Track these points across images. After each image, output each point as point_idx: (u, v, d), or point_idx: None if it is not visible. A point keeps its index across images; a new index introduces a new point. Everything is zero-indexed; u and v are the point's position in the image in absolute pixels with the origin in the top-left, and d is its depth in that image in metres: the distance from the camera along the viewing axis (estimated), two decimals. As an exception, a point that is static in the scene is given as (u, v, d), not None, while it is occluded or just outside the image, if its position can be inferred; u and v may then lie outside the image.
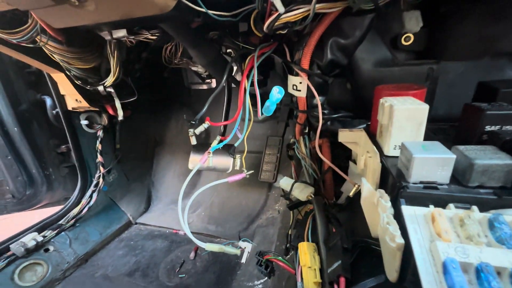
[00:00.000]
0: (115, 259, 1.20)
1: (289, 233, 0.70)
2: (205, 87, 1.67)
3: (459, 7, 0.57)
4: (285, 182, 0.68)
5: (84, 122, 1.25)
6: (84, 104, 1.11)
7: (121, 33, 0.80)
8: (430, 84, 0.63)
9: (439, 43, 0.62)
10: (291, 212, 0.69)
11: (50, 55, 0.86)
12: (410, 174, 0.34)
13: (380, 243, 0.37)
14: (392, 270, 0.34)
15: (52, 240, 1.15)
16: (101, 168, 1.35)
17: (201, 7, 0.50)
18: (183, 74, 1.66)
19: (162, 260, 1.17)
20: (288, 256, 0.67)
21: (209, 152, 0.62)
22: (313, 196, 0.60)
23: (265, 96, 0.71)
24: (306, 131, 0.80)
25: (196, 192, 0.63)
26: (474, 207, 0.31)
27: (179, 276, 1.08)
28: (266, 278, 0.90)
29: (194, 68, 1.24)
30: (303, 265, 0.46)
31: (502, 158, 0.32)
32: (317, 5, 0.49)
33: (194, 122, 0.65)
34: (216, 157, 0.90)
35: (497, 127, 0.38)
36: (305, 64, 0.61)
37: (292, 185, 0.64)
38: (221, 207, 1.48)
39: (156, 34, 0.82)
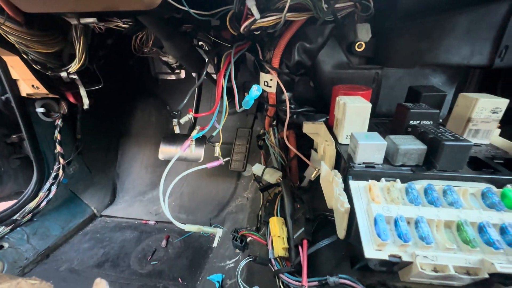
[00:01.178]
0: (81, 252, 1.17)
1: (260, 214, 0.79)
2: (173, 77, 1.65)
3: (398, 24, 0.70)
4: (257, 168, 0.76)
5: (40, 110, 1.16)
6: (42, 90, 1.04)
7: (90, 19, 0.78)
8: (376, 85, 0.76)
9: (383, 52, 0.75)
10: (261, 194, 0.78)
11: (4, 36, 0.79)
12: (356, 157, 0.45)
13: (334, 210, 0.47)
14: (341, 229, 0.44)
15: (6, 236, 1.07)
16: (61, 160, 1.28)
17: (184, 6, 0.54)
18: (149, 63, 1.62)
19: (133, 250, 1.17)
20: (260, 233, 0.76)
21: (191, 140, 0.66)
22: (281, 179, 0.70)
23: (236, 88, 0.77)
24: (275, 123, 0.89)
25: (178, 177, 0.67)
26: (398, 180, 0.42)
27: (152, 263, 1.11)
28: (238, 257, 0.98)
29: (164, 58, 1.23)
30: (273, 235, 0.55)
31: (417, 144, 0.44)
32: (287, 14, 0.56)
33: (177, 113, 0.68)
34: (188, 149, 0.94)
35: (417, 122, 0.51)
36: (276, 63, 0.69)
37: (263, 170, 0.72)
38: (191, 196, 1.52)
39: (129, 23, 0.82)
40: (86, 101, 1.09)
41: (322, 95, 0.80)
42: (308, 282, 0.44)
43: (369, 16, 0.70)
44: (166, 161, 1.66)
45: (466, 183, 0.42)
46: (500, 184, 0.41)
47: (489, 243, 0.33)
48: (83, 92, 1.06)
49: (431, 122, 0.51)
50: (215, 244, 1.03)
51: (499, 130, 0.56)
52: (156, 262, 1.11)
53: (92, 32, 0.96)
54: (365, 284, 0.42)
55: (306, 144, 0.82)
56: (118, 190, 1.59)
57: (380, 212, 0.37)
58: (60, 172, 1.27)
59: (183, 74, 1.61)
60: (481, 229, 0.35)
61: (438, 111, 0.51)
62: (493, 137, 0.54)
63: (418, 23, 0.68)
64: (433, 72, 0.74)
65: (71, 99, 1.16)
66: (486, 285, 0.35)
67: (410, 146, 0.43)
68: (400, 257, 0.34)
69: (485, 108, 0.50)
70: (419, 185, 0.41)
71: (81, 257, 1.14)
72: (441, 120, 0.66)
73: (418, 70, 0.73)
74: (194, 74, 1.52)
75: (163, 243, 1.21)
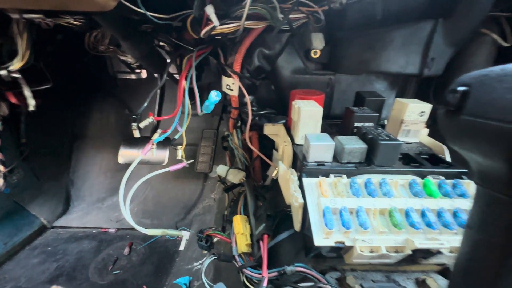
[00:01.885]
0: (29, 269, 1.06)
1: (225, 213, 0.81)
2: (134, 77, 1.58)
3: (347, 35, 0.78)
4: (221, 169, 0.78)
5: (-27, 112, 1.03)
6: (-24, 90, 0.92)
7: (35, 14, 0.72)
8: (329, 90, 0.83)
9: (336, 59, 0.82)
10: (226, 194, 0.80)
11: None
12: (309, 156, 0.50)
13: (291, 206, 0.51)
14: (297, 222, 0.48)
15: None
16: (1, 167, 1.14)
17: (140, 8, 0.53)
18: (107, 61, 1.52)
19: (92, 261, 1.10)
20: (226, 232, 0.78)
21: (152, 143, 0.65)
22: (244, 179, 0.73)
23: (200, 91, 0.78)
24: (239, 125, 0.92)
25: (140, 180, 0.66)
26: (344, 175, 0.48)
27: (113, 273, 1.05)
28: (205, 258, 0.99)
29: (123, 58, 1.18)
30: (237, 233, 0.58)
31: (360, 144, 0.50)
32: (245, 22, 0.59)
33: (136, 116, 0.67)
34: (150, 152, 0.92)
35: (361, 124, 0.58)
36: (237, 68, 0.72)
37: (227, 171, 0.75)
38: (156, 200, 1.47)
39: (81, 20, 0.77)
40: (31, 102, 0.99)
41: (282, 98, 0.84)
42: (268, 273, 0.47)
43: (321, 26, 0.76)
44: (127, 165, 1.58)
45: (398, 176, 0.49)
46: (423, 176, 0.49)
47: (412, 225, 0.40)
48: (27, 92, 0.97)
49: (373, 124, 0.58)
50: (181, 247, 1.02)
51: (427, 130, 0.66)
52: (119, 271, 1.06)
53: (38, 27, 0.88)
54: (319, 270, 0.47)
55: (269, 145, 0.86)
56: (73, 198, 1.47)
57: (328, 205, 0.42)
58: (1, 181, 1.13)
59: (144, 74, 1.55)
60: (407, 214, 0.42)
61: (377, 114, 0.59)
62: (422, 136, 0.64)
63: (364, 35, 0.76)
64: (377, 79, 0.83)
65: (13, 100, 1.05)
66: (411, 260, 0.42)
67: (354, 146, 0.49)
68: (343, 243, 0.39)
69: (414, 111, 0.59)
70: (361, 179, 0.47)
71: (29, 274, 1.04)
72: (385, 121, 0.75)
73: (365, 76, 0.82)
74: (156, 74, 1.47)
75: (126, 250, 1.16)
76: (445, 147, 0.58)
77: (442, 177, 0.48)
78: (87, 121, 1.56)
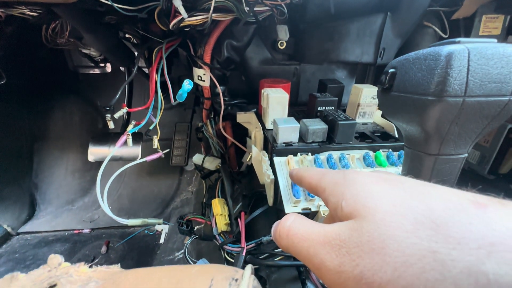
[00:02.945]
0: (-5, 278, 1.00)
1: (204, 201, 0.85)
2: (97, 71, 1.51)
3: (309, 27, 0.84)
4: (197, 158, 0.80)
5: None
6: None
7: (-17, 3, 0.66)
8: (296, 79, 0.89)
9: (300, 50, 0.88)
10: (203, 181, 0.83)
11: None
12: (278, 138, 0.55)
13: (264, 183, 0.56)
14: (270, 198, 0.54)
15: None
16: (-49, 174, 1.04)
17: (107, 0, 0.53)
18: (66, 55, 1.43)
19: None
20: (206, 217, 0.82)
21: (128, 134, 0.65)
22: (220, 165, 0.76)
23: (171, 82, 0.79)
24: (212, 115, 0.94)
25: (115, 173, 0.66)
26: (309, 153, 0.54)
27: (91, 272, 1.03)
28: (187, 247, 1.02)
29: (85, 51, 1.12)
30: (216, 214, 0.62)
31: (322, 125, 0.57)
32: (213, 14, 0.62)
33: (109, 108, 0.66)
34: (123, 148, 0.91)
35: (323, 107, 0.65)
36: (207, 59, 0.74)
37: (204, 158, 0.77)
38: (131, 197, 1.45)
39: (38, 11, 0.73)
40: (-16, 101, 0.91)
41: (252, 88, 0.89)
42: (247, 245, 0.52)
43: (285, 19, 0.81)
44: (97, 164, 1.52)
45: (354, 152, 0.56)
46: (375, 150, 0.57)
47: (365, 189, 0.48)
48: (-22, 89, 0.89)
49: (333, 107, 0.65)
50: (162, 240, 1.03)
51: (380, 112, 0.75)
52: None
53: (-16, 18, 0.81)
54: (291, 238, 0.53)
55: (242, 133, 0.90)
56: (39, 202, 1.38)
57: (295, 178, 0.48)
58: (-48, 188, 1.04)
59: (109, 68, 1.48)
60: (361, 181, 0.49)
61: (337, 99, 0.66)
62: (376, 117, 0.72)
63: (323, 27, 0.83)
64: (338, 68, 0.91)
65: (-40, 99, 0.96)
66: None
67: (316, 127, 0.55)
68: (309, 209, 0.45)
69: (368, 95, 0.67)
70: (323, 155, 0.54)
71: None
72: (345, 107, 0.83)
73: (327, 66, 0.89)
74: (122, 68, 1.42)
75: (103, 249, 1.14)
76: (393, 126, 0.67)
77: (390, 150, 0.57)
78: (48, 120, 1.46)
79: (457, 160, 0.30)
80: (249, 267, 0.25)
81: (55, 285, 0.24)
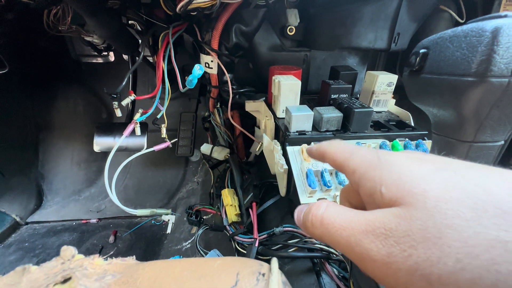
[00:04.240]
0: (6, 266, 1.01)
1: (211, 191, 0.84)
2: (100, 60, 1.48)
3: (320, 12, 0.80)
4: (205, 148, 0.79)
5: None
6: None
7: (-17, -13, 0.64)
8: (305, 66, 0.86)
9: (310, 36, 0.85)
10: (211, 171, 0.82)
11: None
12: (291, 127, 0.53)
13: (276, 174, 0.55)
14: (282, 188, 0.52)
15: None
16: (-42, 164, 1.04)
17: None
18: (67, 44, 1.40)
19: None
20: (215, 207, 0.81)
21: (135, 122, 0.64)
22: (229, 155, 0.75)
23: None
24: (219, 105, 0.92)
25: (124, 162, 0.64)
26: (323, 142, 0.52)
27: (100, 261, 1.05)
28: (194, 237, 1.02)
29: (88, 38, 1.09)
30: (226, 205, 0.61)
31: (336, 112, 0.54)
32: (222, -4, 0.59)
33: (115, 96, 0.64)
34: (129, 138, 0.89)
35: (336, 95, 0.62)
36: (215, 45, 0.71)
37: (212, 148, 0.76)
38: (137, 188, 1.45)
39: (38, -5, 0.70)
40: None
41: (260, 75, 0.86)
42: (259, 236, 0.51)
43: (296, 2, 0.77)
44: (102, 154, 1.52)
45: (370, 140, 0.54)
46: (391, 139, 0.55)
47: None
48: (-19, 78, 0.87)
49: (347, 95, 0.63)
50: (169, 230, 1.03)
51: (394, 100, 0.72)
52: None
53: (-16, 4, 0.79)
54: (304, 229, 0.52)
55: (250, 122, 0.88)
56: (45, 192, 1.39)
57: (310, 168, 0.46)
58: (-40, 178, 1.04)
59: (112, 57, 1.46)
60: (378, 171, 0.47)
61: (351, 86, 0.63)
62: (390, 106, 0.70)
63: (335, 11, 0.79)
64: (349, 54, 0.87)
65: (-37, 88, 0.95)
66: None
67: (331, 115, 0.53)
68: (325, 199, 0.44)
69: (383, 82, 0.64)
70: (338, 144, 0.52)
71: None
72: (358, 95, 0.80)
73: (338, 52, 0.85)
74: (125, 57, 1.39)
75: (111, 239, 1.14)
76: (410, 114, 0.64)
77: (407, 139, 0.55)
78: (52, 110, 1.44)
79: (493, 148, 0.27)
80: (275, 261, 0.23)
81: (69, 278, 0.23)
